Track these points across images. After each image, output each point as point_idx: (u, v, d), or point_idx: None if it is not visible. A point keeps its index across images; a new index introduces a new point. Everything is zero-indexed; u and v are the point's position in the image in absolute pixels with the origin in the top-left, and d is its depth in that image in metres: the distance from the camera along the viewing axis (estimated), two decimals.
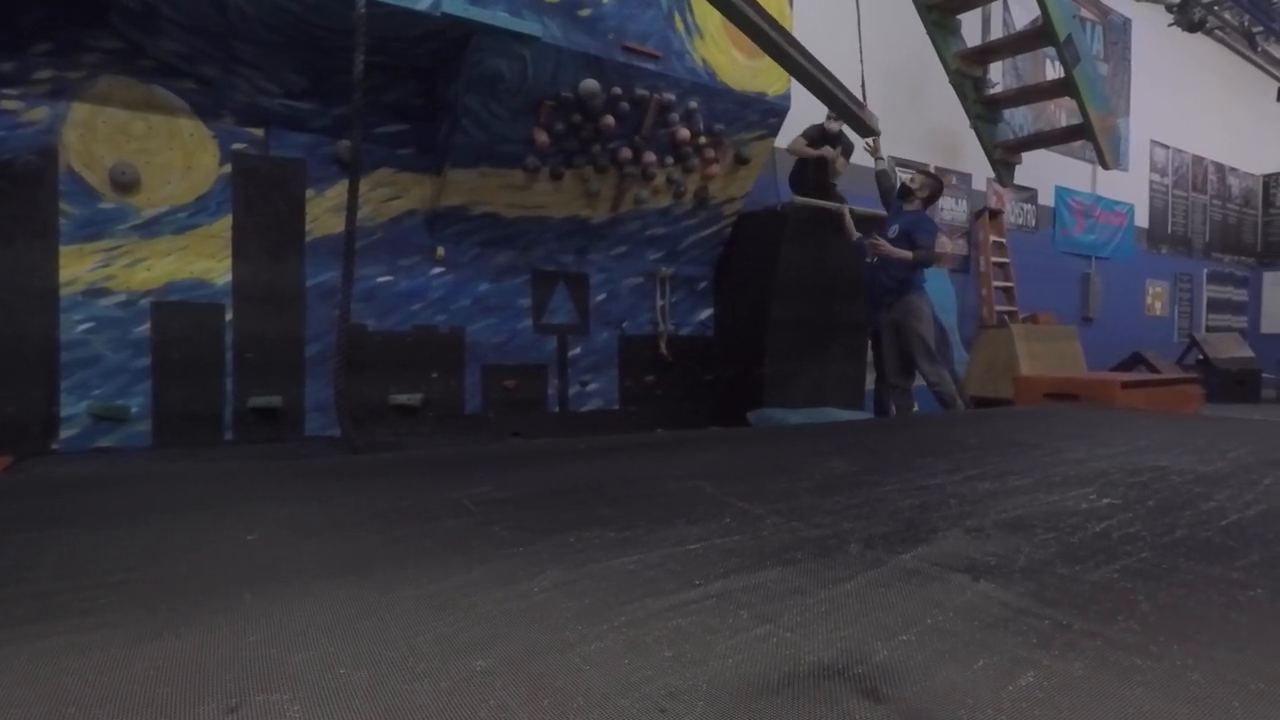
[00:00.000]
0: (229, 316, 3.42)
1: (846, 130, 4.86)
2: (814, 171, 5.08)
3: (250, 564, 0.97)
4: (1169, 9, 8.09)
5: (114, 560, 0.99)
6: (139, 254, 3.23)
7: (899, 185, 4.76)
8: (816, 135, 5.14)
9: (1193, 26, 7.93)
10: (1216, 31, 9.33)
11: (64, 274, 3.05)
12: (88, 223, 3.10)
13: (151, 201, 3.24)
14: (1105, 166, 4.52)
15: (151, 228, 3.25)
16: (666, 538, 1.10)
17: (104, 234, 3.14)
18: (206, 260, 3.39)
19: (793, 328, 4.55)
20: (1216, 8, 8.44)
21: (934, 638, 0.78)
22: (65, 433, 3.05)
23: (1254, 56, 10.12)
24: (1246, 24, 8.94)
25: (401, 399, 3.82)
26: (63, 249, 3.04)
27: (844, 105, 3.70)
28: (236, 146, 3.40)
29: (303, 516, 1.23)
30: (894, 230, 4.46)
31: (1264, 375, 8.32)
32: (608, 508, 1.29)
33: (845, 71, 4.36)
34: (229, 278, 3.43)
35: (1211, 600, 0.91)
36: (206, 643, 0.73)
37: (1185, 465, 1.76)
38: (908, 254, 4.31)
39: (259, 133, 3.47)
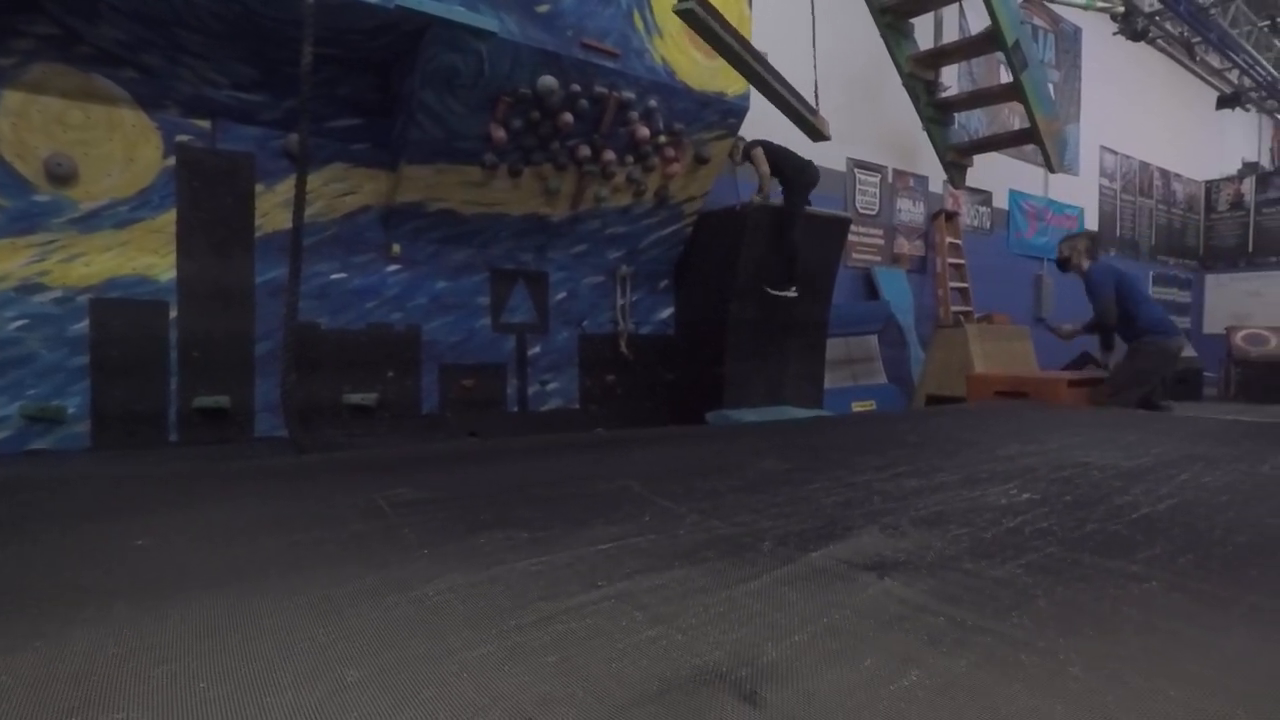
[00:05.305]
0: (173, 314, 3.32)
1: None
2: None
3: (131, 573, 0.93)
4: (1114, 18, 8.35)
5: None
6: (76, 249, 3.11)
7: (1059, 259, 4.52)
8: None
9: (1136, 35, 8.19)
10: (1159, 41, 9.65)
11: None
12: (21, 216, 2.98)
13: (90, 194, 3.12)
14: (1051, 169, 4.64)
15: (90, 222, 3.13)
16: (580, 538, 1.09)
17: (38, 228, 3.02)
18: (149, 256, 3.28)
19: (752, 327, 4.58)
20: (1158, 18, 8.72)
21: (827, 637, 0.78)
22: None
23: (1194, 66, 10.49)
24: (1185, 34, 9.25)
25: (356, 399, 3.74)
26: None
27: (797, 111, 3.73)
28: (181, 138, 3.30)
29: (204, 522, 1.19)
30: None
31: (1205, 374, 8.62)
32: (528, 508, 1.27)
33: (802, 73, 4.39)
34: (173, 274, 3.32)
35: (1106, 594, 0.93)
36: (61, 656, 0.70)
37: (1109, 461, 1.81)
38: (1078, 329, 4.34)
39: (205, 124, 3.36)
